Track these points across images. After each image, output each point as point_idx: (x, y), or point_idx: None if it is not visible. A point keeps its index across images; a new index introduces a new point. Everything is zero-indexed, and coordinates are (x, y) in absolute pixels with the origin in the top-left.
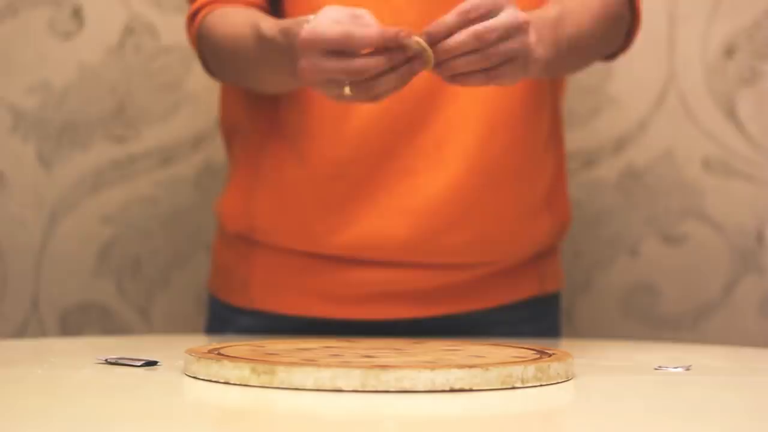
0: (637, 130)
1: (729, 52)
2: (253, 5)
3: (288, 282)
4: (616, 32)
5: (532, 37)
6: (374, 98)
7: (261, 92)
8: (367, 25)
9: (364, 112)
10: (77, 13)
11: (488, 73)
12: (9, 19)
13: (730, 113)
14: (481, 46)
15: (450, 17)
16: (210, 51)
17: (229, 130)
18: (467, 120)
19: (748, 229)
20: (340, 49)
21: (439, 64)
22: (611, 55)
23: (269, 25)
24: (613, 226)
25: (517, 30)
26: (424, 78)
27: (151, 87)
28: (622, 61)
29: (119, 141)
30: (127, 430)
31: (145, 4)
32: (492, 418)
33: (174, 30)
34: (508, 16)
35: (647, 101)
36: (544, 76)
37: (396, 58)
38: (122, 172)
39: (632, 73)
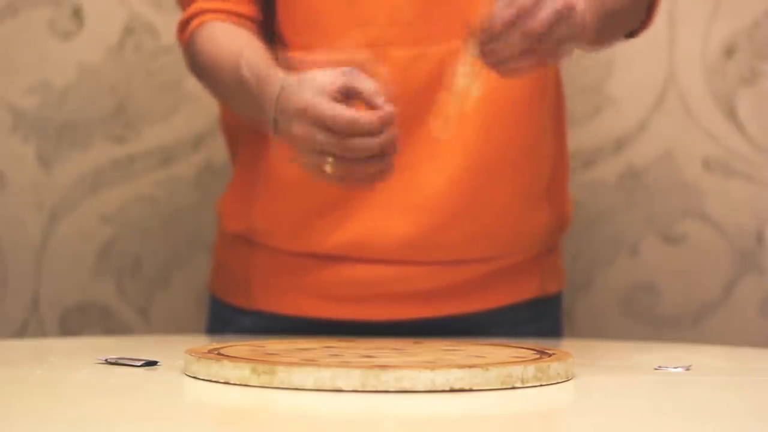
0: (637, 130)
1: (729, 52)
2: (244, 17)
3: (288, 283)
4: (642, 2)
5: (579, 10)
6: (353, 181)
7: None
8: (364, 84)
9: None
10: (77, 13)
11: (540, 58)
12: (9, 19)
13: (730, 113)
14: (532, 42)
15: (505, 13)
16: (194, 66)
17: (229, 129)
18: (465, 114)
19: (748, 229)
20: (339, 129)
21: (492, 63)
22: (632, 33)
23: (250, 62)
24: (613, 226)
25: (563, 16)
26: (419, 71)
27: (151, 87)
28: (622, 61)
29: (119, 141)
30: (127, 430)
31: (145, 4)
32: (492, 418)
33: (174, 30)
34: (552, 4)
35: (647, 101)
36: (590, 49)
37: (387, 142)
38: (122, 172)
39: (632, 73)
